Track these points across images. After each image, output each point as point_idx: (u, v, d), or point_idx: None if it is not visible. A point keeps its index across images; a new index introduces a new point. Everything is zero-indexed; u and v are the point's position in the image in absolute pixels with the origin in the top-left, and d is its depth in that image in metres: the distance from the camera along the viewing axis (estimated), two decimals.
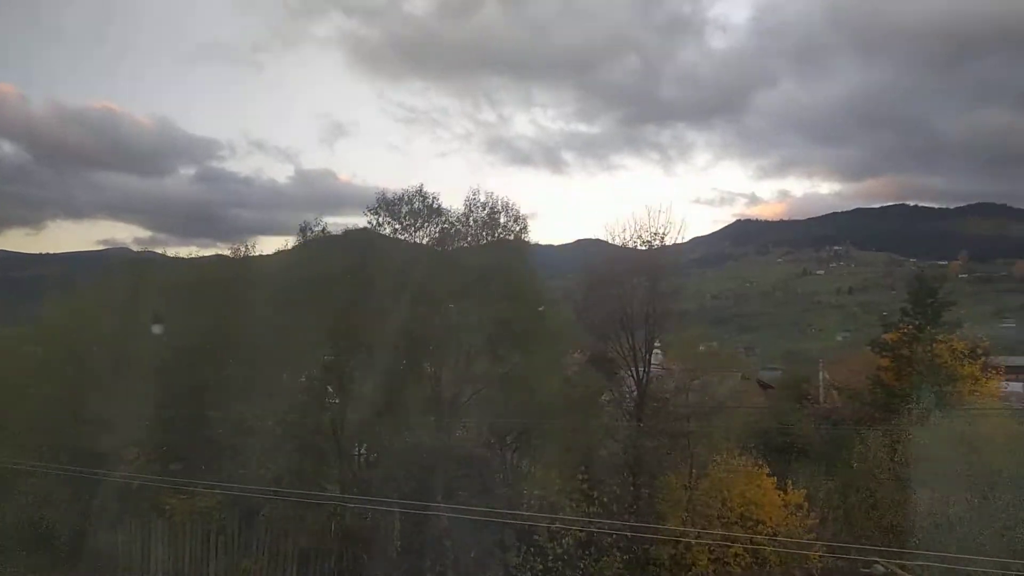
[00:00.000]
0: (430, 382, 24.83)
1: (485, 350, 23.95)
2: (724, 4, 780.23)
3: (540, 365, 23.94)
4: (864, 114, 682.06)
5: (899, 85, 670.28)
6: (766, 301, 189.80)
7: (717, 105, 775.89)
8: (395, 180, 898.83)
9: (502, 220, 26.85)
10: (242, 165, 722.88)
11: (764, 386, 49.73)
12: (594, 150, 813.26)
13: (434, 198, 26.92)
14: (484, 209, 26.85)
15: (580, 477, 23.33)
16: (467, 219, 26.94)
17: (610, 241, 32.09)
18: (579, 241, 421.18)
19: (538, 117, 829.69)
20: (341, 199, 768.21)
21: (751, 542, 22.23)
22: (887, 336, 33.41)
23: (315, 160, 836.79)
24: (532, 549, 20.95)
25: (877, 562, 12.34)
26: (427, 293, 23.01)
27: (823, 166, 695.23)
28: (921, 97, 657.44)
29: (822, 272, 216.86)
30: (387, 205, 26.84)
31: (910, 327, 31.36)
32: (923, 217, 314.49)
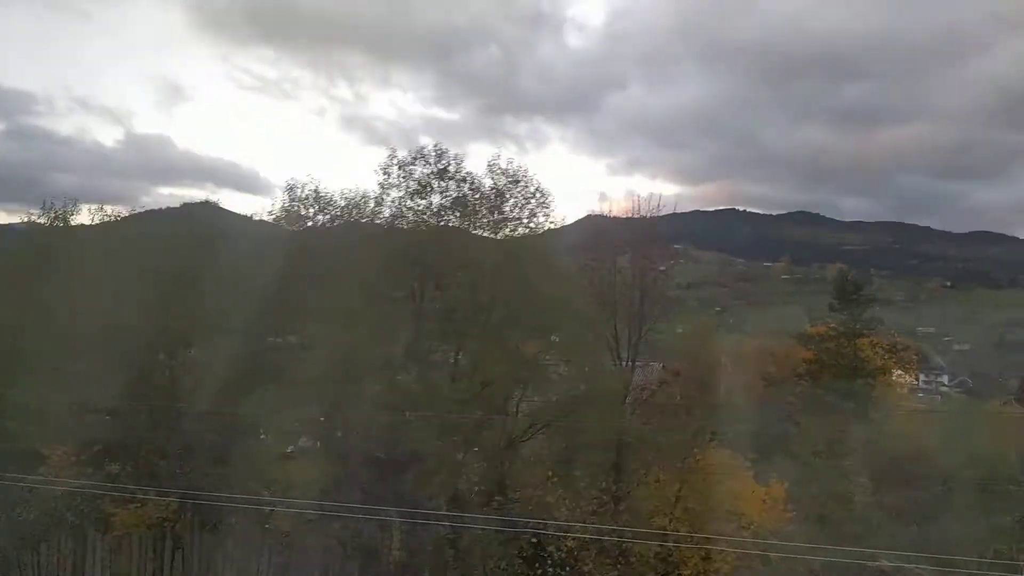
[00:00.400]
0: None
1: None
2: (581, 5, 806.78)
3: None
4: (702, 122, 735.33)
5: (733, 97, 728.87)
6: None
7: (572, 102, 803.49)
8: (240, 152, 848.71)
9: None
10: (63, 123, 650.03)
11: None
12: (452, 136, 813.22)
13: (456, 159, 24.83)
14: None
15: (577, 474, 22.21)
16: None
17: None
18: None
19: (396, 99, 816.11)
20: (178, 169, 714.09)
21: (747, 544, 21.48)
22: (814, 330, 34.95)
23: (150, 124, 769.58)
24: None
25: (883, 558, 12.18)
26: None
27: (665, 168, 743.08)
28: (752, 110, 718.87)
29: (663, 268, 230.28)
30: (401, 164, 24.31)
31: (835, 324, 32.55)
32: (749, 222, 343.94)
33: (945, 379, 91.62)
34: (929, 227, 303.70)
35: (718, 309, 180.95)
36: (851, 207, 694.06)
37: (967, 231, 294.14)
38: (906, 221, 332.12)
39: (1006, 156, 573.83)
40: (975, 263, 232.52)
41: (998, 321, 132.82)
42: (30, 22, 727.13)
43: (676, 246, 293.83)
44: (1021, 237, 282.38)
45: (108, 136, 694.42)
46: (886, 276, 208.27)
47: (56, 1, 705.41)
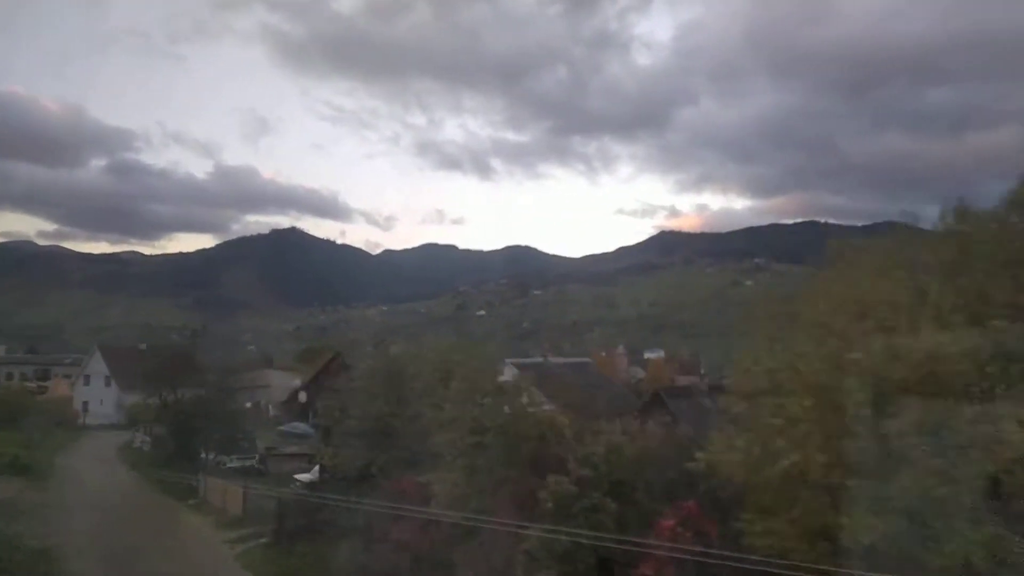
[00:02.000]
0: None
1: None
2: (649, 22, 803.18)
3: None
4: (775, 134, 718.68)
5: (808, 107, 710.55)
6: (704, 309, 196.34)
7: (640, 119, 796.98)
8: (320, 179, 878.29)
9: None
10: (158, 158, 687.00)
11: None
12: (522, 158, 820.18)
13: None
14: None
15: None
16: None
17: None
18: (508, 247, 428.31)
19: (467, 123, 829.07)
20: (264, 197, 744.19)
21: None
22: None
23: (236, 156, 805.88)
24: None
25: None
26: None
27: (737, 182, 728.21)
28: (827, 120, 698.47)
29: (751, 283, 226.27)
30: None
31: None
32: (832, 233, 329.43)
33: None
34: None
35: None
36: (935, 216, 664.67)
37: None
38: None
39: None
40: None
41: None
42: (129, 65, 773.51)
43: (756, 260, 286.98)
44: None
45: (199, 168, 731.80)
46: None
47: (152, 46, 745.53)
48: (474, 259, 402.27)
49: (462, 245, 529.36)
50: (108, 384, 63.60)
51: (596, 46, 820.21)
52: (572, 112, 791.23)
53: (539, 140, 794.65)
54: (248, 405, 71.67)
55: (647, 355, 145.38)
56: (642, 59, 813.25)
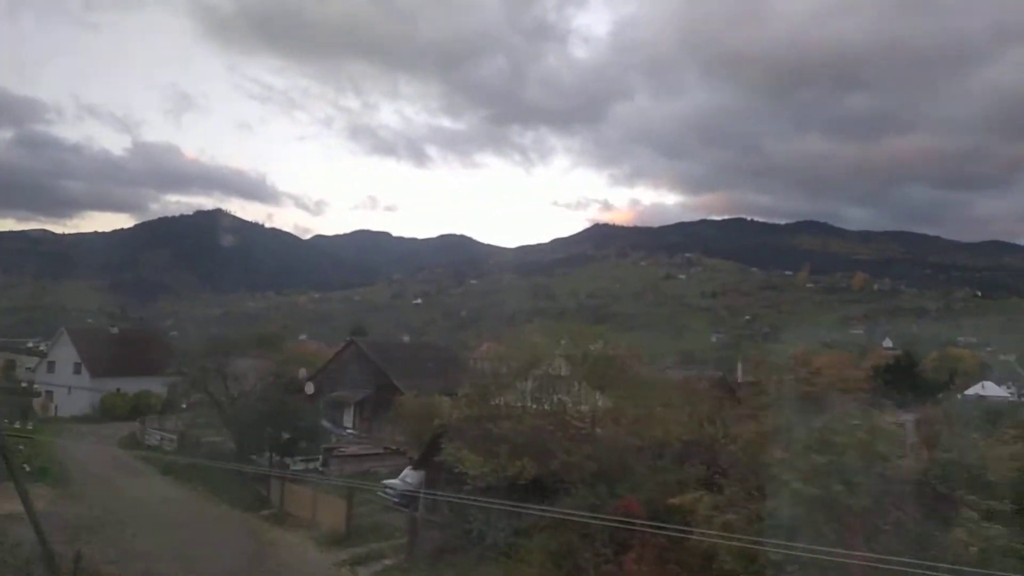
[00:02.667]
0: None
1: None
2: (587, 16, 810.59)
3: None
4: (705, 133, 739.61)
5: (737, 107, 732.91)
6: (639, 302, 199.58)
7: (577, 112, 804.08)
8: (247, 160, 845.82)
9: None
10: (71, 131, 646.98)
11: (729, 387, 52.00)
12: (458, 146, 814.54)
13: None
14: None
15: None
16: None
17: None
18: (443, 236, 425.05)
19: (403, 108, 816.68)
20: (186, 176, 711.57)
21: None
22: None
23: (157, 133, 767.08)
24: None
25: None
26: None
27: (668, 178, 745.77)
28: (753, 120, 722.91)
29: (684, 276, 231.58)
30: None
31: None
32: (759, 231, 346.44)
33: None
34: (939, 236, 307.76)
35: (747, 318, 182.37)
36: (855, 217, 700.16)
37: (976, 241, 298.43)
38: (911, 231, 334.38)
39: (1010, 165, 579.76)
40: (989, 273, 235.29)
41: None
42: (40, 32, 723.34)
43: (687, 255, 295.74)
44: None
45: (116, 144, 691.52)
46: (908, 286, 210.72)
47: (66, 12, 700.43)
48: (408, 247, 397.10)
49: (396, 232, 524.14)
50: (78, 371, 57.19)
51: (534, 37, 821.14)
52: (509, 102, 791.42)
53: (476, 128, 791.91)
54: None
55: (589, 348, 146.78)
56: (579, 52, 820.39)
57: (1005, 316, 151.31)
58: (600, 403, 23.01)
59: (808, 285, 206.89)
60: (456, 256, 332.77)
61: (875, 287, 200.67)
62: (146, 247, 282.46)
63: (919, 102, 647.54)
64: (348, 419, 45.63)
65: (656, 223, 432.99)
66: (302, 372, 52.33)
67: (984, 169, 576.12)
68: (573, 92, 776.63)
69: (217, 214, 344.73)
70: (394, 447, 34.81)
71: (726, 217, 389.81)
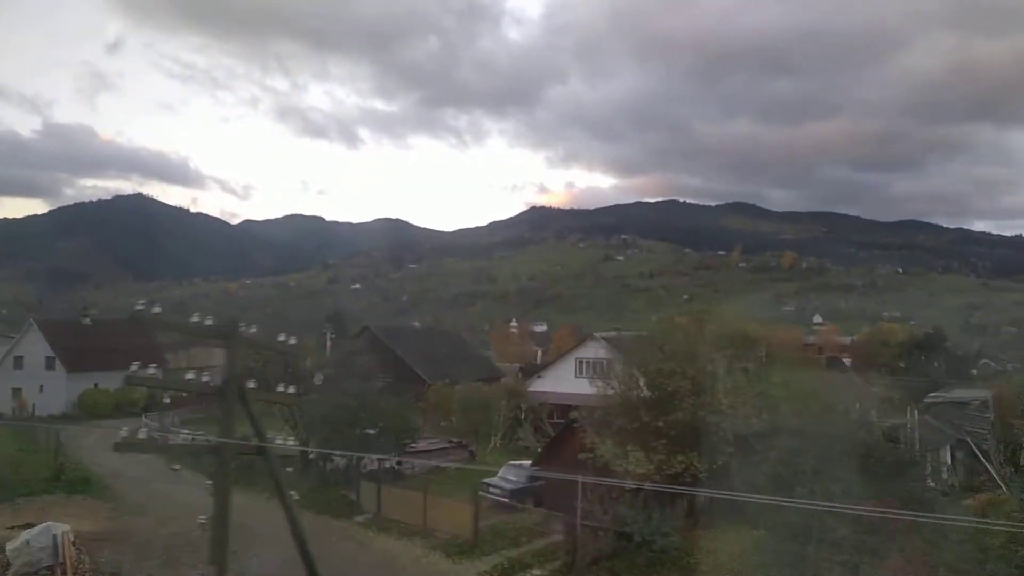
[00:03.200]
0: None
1: None
2: None
3: None
4: (637, 116, 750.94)
5: (668, 91, 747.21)
6: (579, 283, 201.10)
7: (511, 95, 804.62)
8: (168, 143, 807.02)
9: None
10: None
11: None
12: (391, 128, 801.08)
13: None
14: None
15: None
16: None
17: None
18: (378, 220, 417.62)
19: (333, 89, 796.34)
20: (102, 159, 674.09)
21: None
22: None
23: (69, 114, 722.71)
24: None
25: None
26: None
27: (602, 161, 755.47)
28: (684, 104, 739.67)
29: (622, 258, 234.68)
30: None
31: None
32: (690, 212, 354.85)
33: None
34: (859, 216, 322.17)
35: (685, 297, 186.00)
36: (779, 198, 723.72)
37: (893, 220, 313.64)
38: (833, 211, 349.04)
39: (923, 148, 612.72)
40: (907, 251, 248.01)
41: (956, 305, 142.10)
42: None
43: (624, 236, 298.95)
44: (943, 225, 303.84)
45: (24, 125, 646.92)
46: (833, 264, 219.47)
47: None
48: (343, 231, 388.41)
49: (329, 217, 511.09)
50: (51, 367, 52.02)
51: (467, 17, 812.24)
52: (443, 84, 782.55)
53: (409, 111, 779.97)
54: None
55: (536, 328, 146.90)
56: (513, 34, 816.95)
57: (926, 291, 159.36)
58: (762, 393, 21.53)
59: (741, 265, 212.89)
60: (393, 240, 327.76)
61: (803, 265, 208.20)
62: (62, 234, 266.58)
63: (840, 88, 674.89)
64: None
65: (591, 205, 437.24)
66: (309, 362, 50.50)
67: (899, 151, 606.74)
68: (507, 74, 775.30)
69: (138, 199, 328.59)
70: (457, 440, 32.48)
71: (659, 199, 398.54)
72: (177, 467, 28.32)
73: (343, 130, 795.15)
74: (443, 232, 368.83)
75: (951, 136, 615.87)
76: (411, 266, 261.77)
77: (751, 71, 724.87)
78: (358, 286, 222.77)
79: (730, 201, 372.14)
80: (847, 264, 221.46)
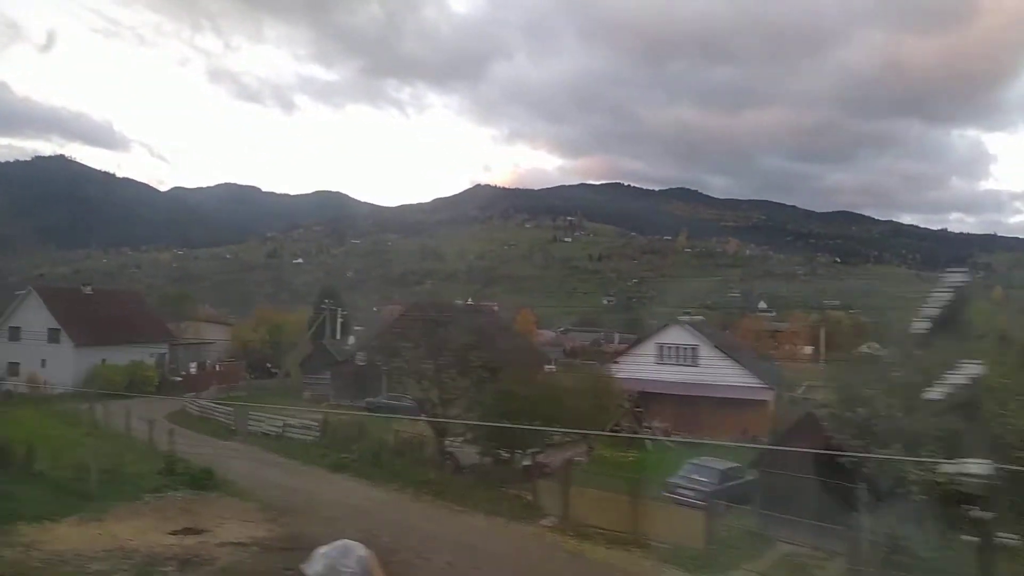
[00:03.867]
0: None
1: None
2: None
3: None
4: (581, 97, 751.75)
5: (610, 74, 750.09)
6: (527, 264, 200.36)
7: (455, 69, 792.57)
8: (90, 102, 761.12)
9: None
10: None
11: None
12: (330, 97, 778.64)
13: None
14: None
15: None
16: None
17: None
18: (317, 192, 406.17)
19: (268, 53, 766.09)
20: (17, 117, 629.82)
21: None
22: None
23: None
24: None
25: None
26: None
27: (546, 141, 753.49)
28: (627, 87, 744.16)
29: (569, 240, 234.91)
30: None
31: None
32: (634, 196, 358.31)
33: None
34: (795, 206, 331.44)
35: (634, 281, 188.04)
36: (719, 185, 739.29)
37: (827, 211, 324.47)
38: (770, 199, 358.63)
39: (854, 141, 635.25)
40: (842, 241, 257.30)
41: (892, 295, 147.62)
42: None
43: (570, 218, 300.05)
44: (874, 217, 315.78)
45: None
46: (773, 251, 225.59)
47: None
48: (280, 203, 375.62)
49: (265, 187, 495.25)
50: (55, 339, 47.49)
51: None
52: (386, 53, 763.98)
53: (349, 80, 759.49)
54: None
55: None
56: (457, 5, 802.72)
57: (863, 281, 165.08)
58: None
59: (686, 250, 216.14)
60: (333, 214, 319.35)
61: (747, 252, 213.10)
62: None
63: (777, 78, 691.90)
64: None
65: (536, 185, 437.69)
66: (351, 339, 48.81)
67: (832, 143, 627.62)
68: (451, 47, 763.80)
69: (60, 161, 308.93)
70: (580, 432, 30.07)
71: (604, 182, 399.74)
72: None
73: (279, 96, 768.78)
74: (385, 207, 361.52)
75: (881, 131, 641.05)
76: (354, 242, 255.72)
77: (693, 57, 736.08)
78: (300, 261, 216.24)
79: (673, 187, 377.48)
80: (785, 252, 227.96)
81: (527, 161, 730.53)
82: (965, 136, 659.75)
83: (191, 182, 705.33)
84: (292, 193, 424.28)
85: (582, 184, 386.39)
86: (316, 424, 31.72)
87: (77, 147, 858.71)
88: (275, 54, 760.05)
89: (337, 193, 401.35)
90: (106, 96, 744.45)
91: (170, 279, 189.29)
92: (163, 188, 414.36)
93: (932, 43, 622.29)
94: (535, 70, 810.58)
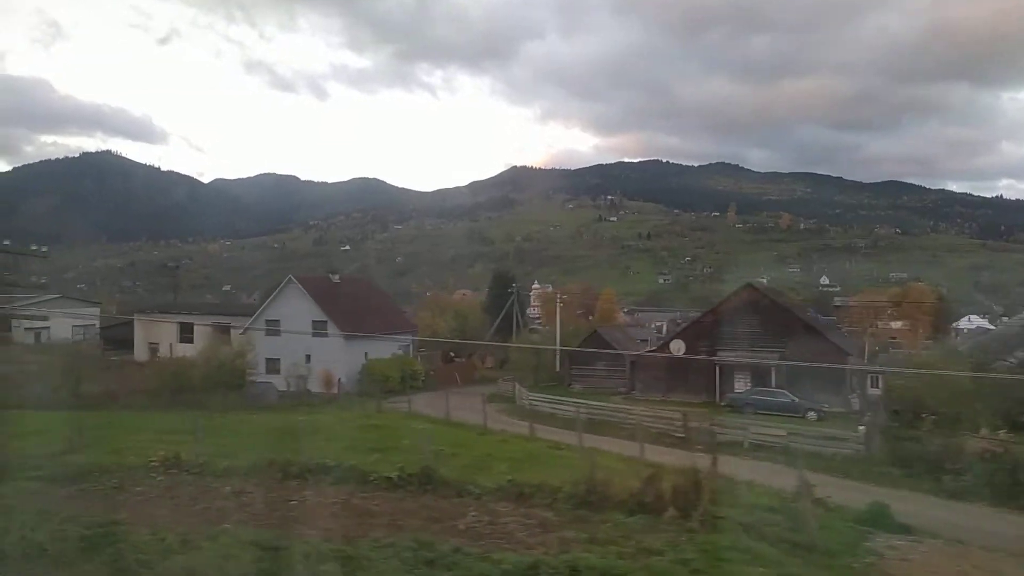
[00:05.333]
0: None
1: None
2: None
3: None
4: (615, 73, 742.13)
5: (644, 48, 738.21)
6: (576, 244, 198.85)
7: (488, 50, 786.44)
8: (129, 97, 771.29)
9: None
10: None
11: None
12: (363, 84, 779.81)
13: None
14: None
15: None
16: None
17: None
18: (355, 180, 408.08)
19: (302, 42, 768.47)
20: (61, 115, 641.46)
21: None
22: None
23: (23, 66, 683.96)
24: None
25: None
26: None
27: (579, 119, 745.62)
28: (662, 62, 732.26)
29: (615, 219, 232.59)
30: None
31: None
32: (674, 173, 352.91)
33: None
34: (841, 177, 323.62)
35: (688, 259, 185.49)
36: (757, 158, 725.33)
37: (874, 181, 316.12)
38: (814, 172, 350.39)
39: (897, 108, 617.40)
40: (892, 211, 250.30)
41: (959, 266, 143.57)
42: None
43: (609, 197, 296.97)
44: (925, 186, 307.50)
45: None
46: (831, 224, 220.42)
47: None
48: (319, 191, 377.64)
49: (304, 176, 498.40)
50: (321, 332, 42.43)
51: None
52: (417, 37, 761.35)
53: (381, 65, 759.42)
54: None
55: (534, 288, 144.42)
56: None
57: (928, 252, 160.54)
58: None
59: (737, 226, 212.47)
60: (371, 200, 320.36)
61: (800, 226, 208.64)
62: (29, 193, 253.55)
63: (816, 45, 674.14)
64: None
65: (571, 165, 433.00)
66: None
67: (873, 111, 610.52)
68: (482, 28, 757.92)
69: (107, 156, 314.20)
70: None
71: (641, 159, 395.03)
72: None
73: (313, 85, 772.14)
74: (421, 192, 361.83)
75: (925, 96, 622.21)
76: (397, 227, 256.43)
77: (729, 27, 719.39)
78: (348, 248, 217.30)
79: (713, 161, 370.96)
80: (836, 224, 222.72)
81: (561, 141, 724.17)
82: (1017, 99, 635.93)
83: (231, 173, 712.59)
84: (330, 181, 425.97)
85: (619, 162, 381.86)
86: (843, 432, 24.71)
87: (119, 142, 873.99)
88: (308, 42, 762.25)
89: (374, 179, 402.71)
90: (144, 90, 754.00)
91: (227, 269, 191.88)
92: (205, 180, 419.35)
93: (982, 3, 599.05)
94: (567, 48, 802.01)
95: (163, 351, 47.84)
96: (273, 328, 43.83)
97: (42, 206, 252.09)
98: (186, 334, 49.25)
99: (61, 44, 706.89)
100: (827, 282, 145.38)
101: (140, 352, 52.22)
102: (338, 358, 41.20)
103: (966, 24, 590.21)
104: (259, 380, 39.41)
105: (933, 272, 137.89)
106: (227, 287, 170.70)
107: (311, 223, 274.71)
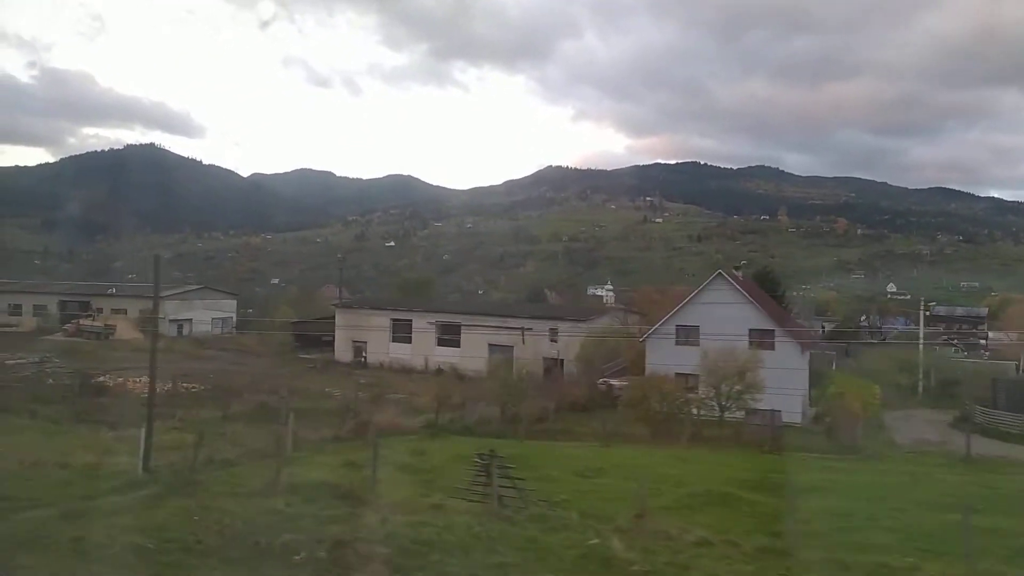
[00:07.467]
0: None
1: None
2: None
3: None
4: (650, 73, 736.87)
5: (680, 48, 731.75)
6: (625, 246, 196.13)
7: (522, 49, 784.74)
8: (169, 90, 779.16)
9: None
10: None
11: None
12: (399, 81, 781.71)
13: None
14: None
15: None
16: None
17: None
18: (390, 176, 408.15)
19: (339, 38, 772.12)
20: (103, 108, 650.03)
21: None
22: None
23: (68, 59, 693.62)
24: None
25: None
26: None
27: (613, 120, 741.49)
28: (698, 62, 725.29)
29: (660, 220, 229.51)
30: None
31: None
32: (712, 175, 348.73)
33: None
34: (886, 183, 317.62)
35: (743, 262, 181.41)
36: (795, 162, 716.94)
37: (918, 187, 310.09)
38: (855, 177, 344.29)
39: (941, 114, 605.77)
40: (942, 219, 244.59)
41: None
42: None
43: (649, 198, 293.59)
44: (976, 194, 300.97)
45: (22, 70, 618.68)
46: (886, 231, 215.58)
47: None
48: (354, 187, 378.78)
49: (339, 172, 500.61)
50: (767, 344, 34.66)
51: None
52: (452, 35, 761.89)
53: (417, 63, 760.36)
54: None
55: (594, 291, 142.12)
56: None
57: (996, 261, 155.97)
58: None
59: (790, 230, 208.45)
60: (406, 197, 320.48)
61: (859, 232, 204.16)
62: (75, 184, 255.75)
63: (860, 47, 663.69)
64: None
65: (606, 166, 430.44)
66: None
67: (917, 116, 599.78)
68: (517, 27, 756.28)
69: (151, 149, 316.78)
70: None
71: (678, 161, 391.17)
72: None
73: (349, 81, 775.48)
74: (456, 190, 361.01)
75: (971, 101, 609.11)
76: (437, 224, 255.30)
77: (769, 27, 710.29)
78: (392, 244, 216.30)
79: (752, 164, 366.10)
80: (889, 230, 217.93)
81: (595, 141, 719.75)
82: None
83: (268, 168, 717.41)
84: (365, 177, 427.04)
85: (656, 163, 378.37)
86: None
87: (158, 135, 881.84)
88: (344, 39, 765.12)
89: (408, 176, 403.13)
90: (184, 83, 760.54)
91: (273, 263, 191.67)
92: (244, 173, 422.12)
93: None
94: (603, 47, 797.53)
95: (373, 352, 44.72)
96: (686, 337, 35.94)
97: (89, 197, 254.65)
98: (400, 333, 45.34)
99: (104, 39, 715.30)
100: (894, 289, 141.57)
101: (342, 353, 48.18)
102: (790, 379, 32.39)
103: (1018, 28, 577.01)
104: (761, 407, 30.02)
105: (1002, 283, 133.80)
106: (275, 280, 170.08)
107: (350, 219, 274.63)
